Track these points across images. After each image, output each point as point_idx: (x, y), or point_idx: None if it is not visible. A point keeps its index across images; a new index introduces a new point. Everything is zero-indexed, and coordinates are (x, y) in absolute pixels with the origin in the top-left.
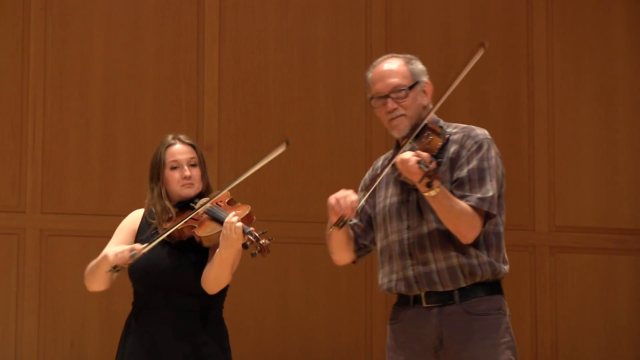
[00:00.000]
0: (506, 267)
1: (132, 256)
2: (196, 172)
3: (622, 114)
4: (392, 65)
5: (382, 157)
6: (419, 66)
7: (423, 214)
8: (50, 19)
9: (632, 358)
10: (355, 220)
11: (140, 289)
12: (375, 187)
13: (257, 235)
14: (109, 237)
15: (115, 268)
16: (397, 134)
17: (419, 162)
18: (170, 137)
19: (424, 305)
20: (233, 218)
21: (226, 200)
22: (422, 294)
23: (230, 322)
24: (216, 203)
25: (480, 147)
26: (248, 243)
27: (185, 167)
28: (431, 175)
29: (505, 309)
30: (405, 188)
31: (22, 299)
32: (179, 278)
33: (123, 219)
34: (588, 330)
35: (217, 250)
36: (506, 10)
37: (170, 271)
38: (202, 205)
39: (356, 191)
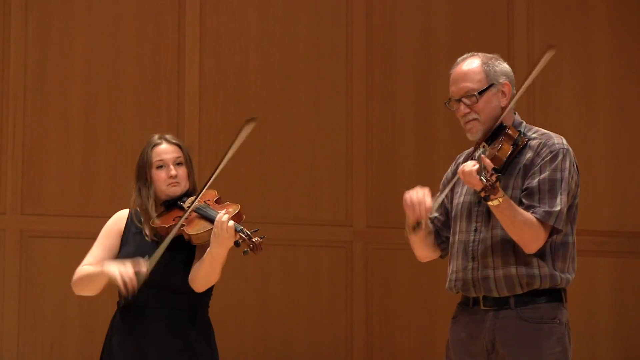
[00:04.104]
0: (569, 277)
1: (139, 280)
2: (182, 171)
3: (602, 116)
4: (467, 67)
5: (465, 152)
6: (497, 67)
7: (492, 218)
8: (30, 19)
9: None
10: (436, 214)
11: None
12: (455, 182)
13: (249, 233)
14: (90, 238)
15: (127, 299)
16: (471, 137)
17: (479, 172)
18: (156, 136)
19: (482, 307)
20: (224, 217)
21: (214, 199)
22: (480, 297)
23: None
24: (204, 201)
25: (555, 157)
26: (240, 241)
27: (171, 167)
28: (488, 189)
29: (561, 318)
30: None
31: (1, 300)
32: (169, 276)
33: (103, 220)
34: None
35: (208, 249)
36: (487, 12)
37: (160, 269)
38: (190, 205)
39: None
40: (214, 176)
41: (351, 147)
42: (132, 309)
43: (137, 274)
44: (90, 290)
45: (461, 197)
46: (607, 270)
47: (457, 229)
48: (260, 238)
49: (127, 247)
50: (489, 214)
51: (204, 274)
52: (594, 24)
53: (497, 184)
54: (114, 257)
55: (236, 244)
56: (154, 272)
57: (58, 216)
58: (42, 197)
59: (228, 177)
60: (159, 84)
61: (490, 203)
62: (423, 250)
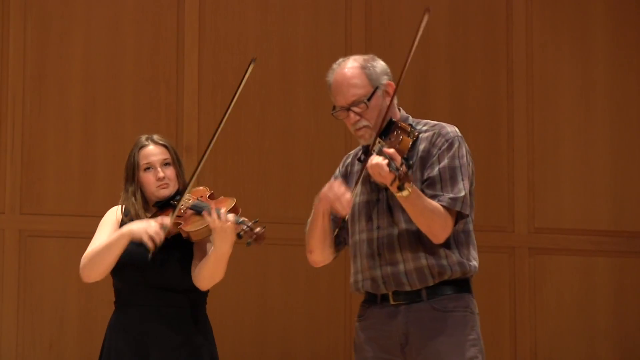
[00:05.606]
0: (475, 264)
1: (164, 231)
2: (170, 172)
3: (601, 115)
4: (349, 73)
5: (352, 154)
6: (377, 68)
7: (393, 214)
8: (29, 19)
9: None
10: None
11: (124, 287)
12: (346, 185)
13: (250, 224)
14: (89, 237)
15: (154, 253)
16: (363, 142)
17: (389, 164)
18: (143, 138)
19: (392, 302)
20: (219, 214)
21: (207, 195)
22: (390, 293)
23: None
24: (197, 198)
25: (451, 145)
26: (242, 233)
27: (159, 169)
28: (402, 178)
29: (473, 308)
30: (375, 187)
31: (0, 300)
32: (167, 275)
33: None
34: (567, 332)
35: (213, 248)
36: (486, 12)
37: (157, 268)
38: (184, 202)
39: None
40: (212, 144)
41: (349, 146)
42: (131, 309)
43: (161, 226)
44: (104, 266)
45: (356, 197)
46: (605, 270)
47: (357, 229)
48: (262, 228)
49: None
50: (390, 210)
51: (210, 272)
52: (592, 23)
53: (409, 172)
54: None
55: (239, 236)
56: (150, 272)
57: (57, 216)
58: (41, 196)
59: (226, 177)
60: (158, 83)
61: (400, 194)
62: (323, 249)
